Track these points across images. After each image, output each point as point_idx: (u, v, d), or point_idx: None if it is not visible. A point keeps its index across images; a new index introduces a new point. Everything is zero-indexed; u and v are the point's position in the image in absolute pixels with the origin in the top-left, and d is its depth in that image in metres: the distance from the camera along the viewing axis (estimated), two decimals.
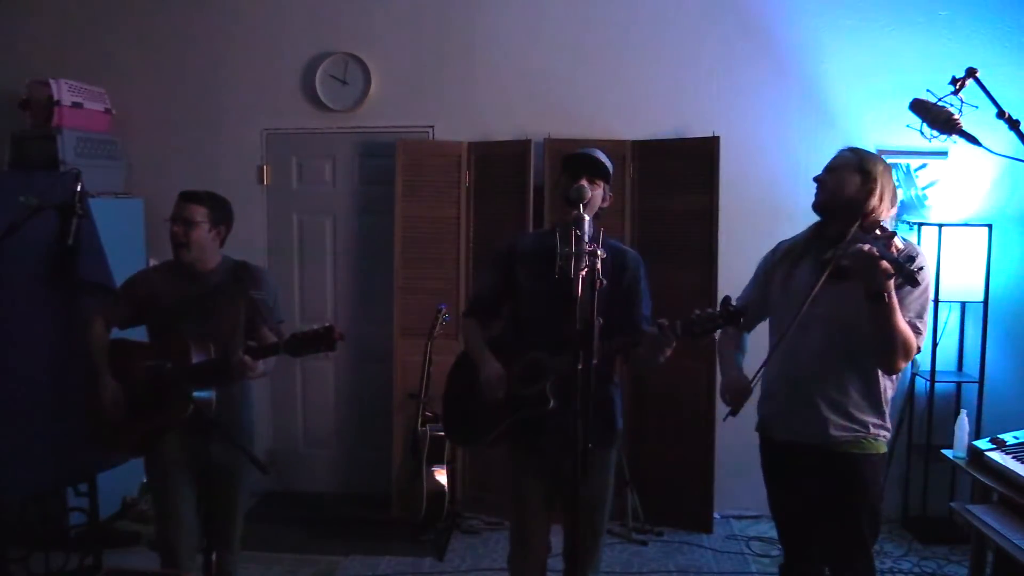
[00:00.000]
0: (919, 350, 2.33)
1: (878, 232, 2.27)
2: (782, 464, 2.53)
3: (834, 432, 2.38)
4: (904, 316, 2.25)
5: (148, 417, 2.68)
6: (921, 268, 2.16)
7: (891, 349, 2.25)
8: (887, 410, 2.43)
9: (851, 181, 2.36)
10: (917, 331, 2.28)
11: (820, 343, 2.38)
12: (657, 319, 2.34)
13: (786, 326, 2.36)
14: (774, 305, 2.56)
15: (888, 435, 2.45)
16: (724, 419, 2.50)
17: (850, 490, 2.41)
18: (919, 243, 4.12)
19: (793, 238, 2.60)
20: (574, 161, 2.56)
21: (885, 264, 2.11)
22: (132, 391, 2.73)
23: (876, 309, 2.18)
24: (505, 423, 2.58)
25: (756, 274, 2.67)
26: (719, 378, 2.67)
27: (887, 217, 2.38)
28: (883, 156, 4.28)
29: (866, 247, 2.15)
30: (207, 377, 2.62)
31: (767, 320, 2.64)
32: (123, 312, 2.87)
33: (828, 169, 2.43)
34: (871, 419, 2.39)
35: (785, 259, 2.54)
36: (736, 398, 2.46)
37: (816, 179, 2.44)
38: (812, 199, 2.44)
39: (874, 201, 2.33)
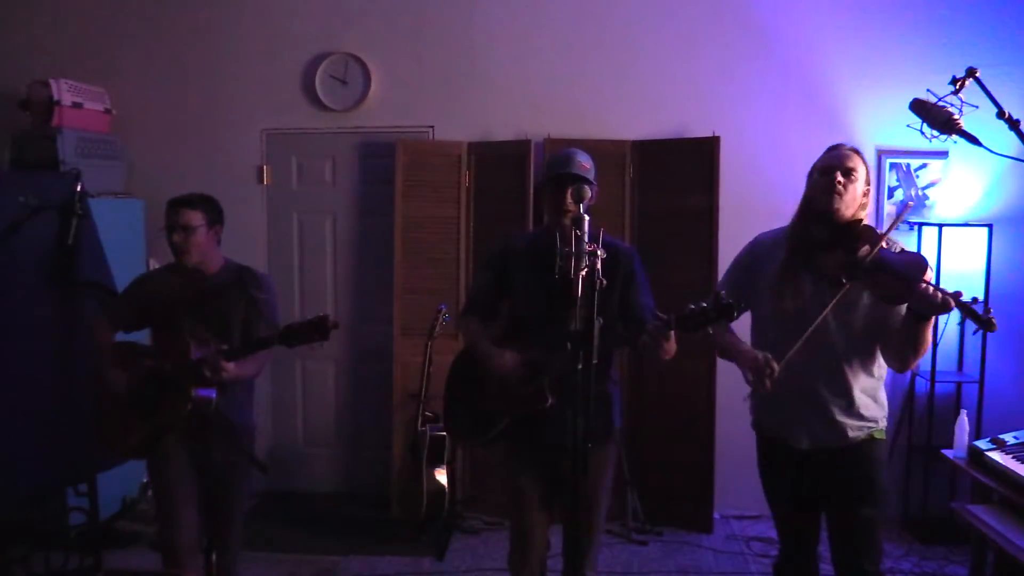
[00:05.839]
0: None
1: (884, 244, 2.29)
2: (798, 467, 2.50)
3: (852, 434, 2.42)
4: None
5: (149, 417, 2.68)
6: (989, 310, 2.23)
7: (916, 354, 2.32)
8: (885, 399, 2.51)
9: (862, 187, 2.40)
10: None
11: (825, 353, 2.38)
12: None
13: (792, 339, 2.31)
14: (765, 306, 2.48)
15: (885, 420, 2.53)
16: (744, 399, 2.56)
17: (868, 477, 2.44)
18: (919, 243, 4.14)
19: (772, 234, 2.56)
20: (560, 180, 2.49)
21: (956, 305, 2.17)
22: (135, 392, 2.73)
23: (920, 326, 2.25)
24: (504, 421, 2.57)
25: (736, 267, 2.63)
26: (719, 379, 2.65)
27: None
28: (883, 156, 4.34)
29: (933, 295, 2.19)
30: (202, 374, 2.61)
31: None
32: (126, 314, 2.87)
33: (845, 171, 2.37)
34: (879, 414, 2.46)
35: (770, 259, 2.48)
36: (761, 377, 2.31)
37: (834, 179, 2.34)
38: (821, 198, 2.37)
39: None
